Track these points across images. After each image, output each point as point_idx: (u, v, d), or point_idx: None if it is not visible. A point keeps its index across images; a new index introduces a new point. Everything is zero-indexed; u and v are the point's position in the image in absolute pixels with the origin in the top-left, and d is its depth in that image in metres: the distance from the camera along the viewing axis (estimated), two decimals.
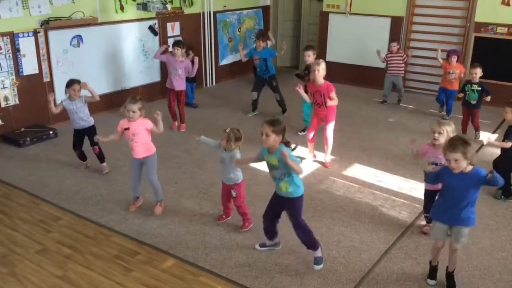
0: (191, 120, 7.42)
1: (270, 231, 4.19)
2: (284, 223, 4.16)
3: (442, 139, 4.13)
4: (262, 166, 5.84)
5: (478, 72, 6.69)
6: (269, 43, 7.90)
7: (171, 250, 4.26)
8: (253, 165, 5.93)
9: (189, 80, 8.05)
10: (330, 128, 5.87)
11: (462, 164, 3.45)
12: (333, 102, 5.71)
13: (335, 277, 3.93)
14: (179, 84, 7.03)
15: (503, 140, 5.07)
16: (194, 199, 5.16)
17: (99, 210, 4.90)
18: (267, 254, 4.19)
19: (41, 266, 4.02)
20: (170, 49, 7.11)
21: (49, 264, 4.05)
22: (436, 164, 4.20)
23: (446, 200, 3.69)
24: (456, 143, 3.45)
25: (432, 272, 3.92)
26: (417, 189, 5.29)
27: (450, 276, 3.84)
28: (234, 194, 4.49)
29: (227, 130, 4.38)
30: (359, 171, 5.91)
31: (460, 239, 3.70)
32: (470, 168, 3.51)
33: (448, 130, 4.18)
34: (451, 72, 7.56)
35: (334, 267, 4.06)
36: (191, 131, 7.06)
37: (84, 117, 5.55)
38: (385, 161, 6.18)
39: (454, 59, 7.55)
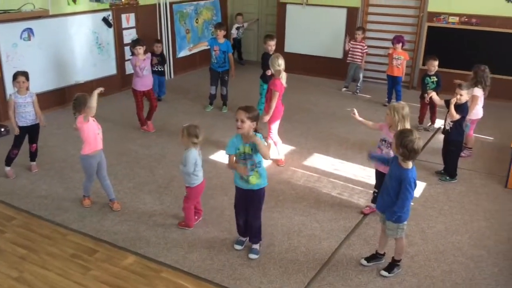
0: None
1: (244, 229, 4.21)
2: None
3: (389, 119, 4.35)
4: (222, 158, 5.86)
5: (434, 64, 6.74)
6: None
7: (131, 247, 4.19)
8: (212, 157, 5.92)
9: (159, 73, 7.90)
10: (273, 129, 5.69)
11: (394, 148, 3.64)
12: (270, 101, 5.48)
13: (296, 266, 3.97)
14: (147, 83, 6.66)
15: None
16: (154, 194, 5.09)
17: (55, 209, 4.76)
18: (229, 247, 4.19)
19: None
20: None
21: (4, 265, 3.92)
22: (385, 141, 4.46)
23: (383, 185, 3.85)
24: (399, 134, 3.61)
25: (371, 256, 4.06)
26: (374, 176, 5.38)
27: (391, 260, 3.96)
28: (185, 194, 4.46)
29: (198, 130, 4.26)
30: (318, 160, 5.98)
31: (388, 232, 3.83)
32: (409, 165, 3.60)
33: (396, 112, 4.26)
34: (396, 57, 7.75)
35: (295, 256, 4.10)
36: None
37: (31, 113, 5.30)
38: (343, 150, 6.28)
39: (399, 45, 7.75)
